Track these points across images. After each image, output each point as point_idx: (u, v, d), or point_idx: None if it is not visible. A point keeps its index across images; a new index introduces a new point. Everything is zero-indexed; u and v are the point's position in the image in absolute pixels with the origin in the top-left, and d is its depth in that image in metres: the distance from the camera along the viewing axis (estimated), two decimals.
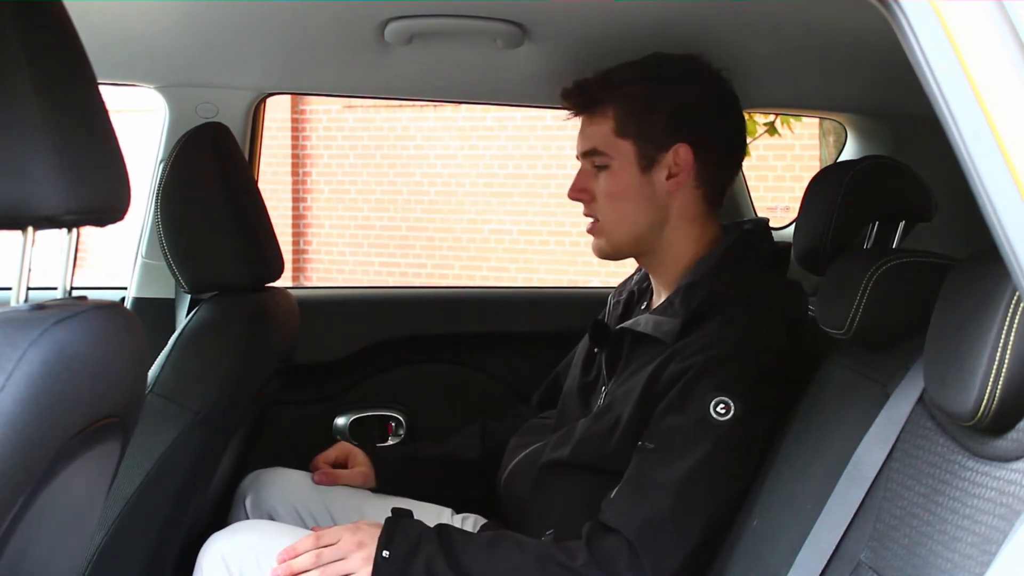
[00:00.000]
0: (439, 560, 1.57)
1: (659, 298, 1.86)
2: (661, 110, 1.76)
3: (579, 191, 1.82)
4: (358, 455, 2.04)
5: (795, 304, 1.81)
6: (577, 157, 1.85)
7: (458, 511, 2.01)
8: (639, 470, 1.64)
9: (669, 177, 1.77)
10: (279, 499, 1.95)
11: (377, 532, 1.62)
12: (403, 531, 1.61)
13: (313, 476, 1.99)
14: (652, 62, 1.78)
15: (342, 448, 2.06)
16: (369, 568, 1.58)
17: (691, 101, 1.78)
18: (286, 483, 1.98)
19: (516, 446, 1.94)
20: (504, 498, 1.90)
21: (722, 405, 1.61)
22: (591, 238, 1.84)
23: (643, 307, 1.91)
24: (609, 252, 1.83)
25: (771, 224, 1.96)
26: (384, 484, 2.02)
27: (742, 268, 1.78)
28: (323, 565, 1.60)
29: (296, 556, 1.61)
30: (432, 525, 1.65)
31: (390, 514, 1.69)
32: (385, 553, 1.58)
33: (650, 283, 1.93)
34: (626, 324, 1.82)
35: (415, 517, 1.69)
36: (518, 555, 1.60)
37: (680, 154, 1.77)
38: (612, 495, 1.65)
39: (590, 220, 1.83)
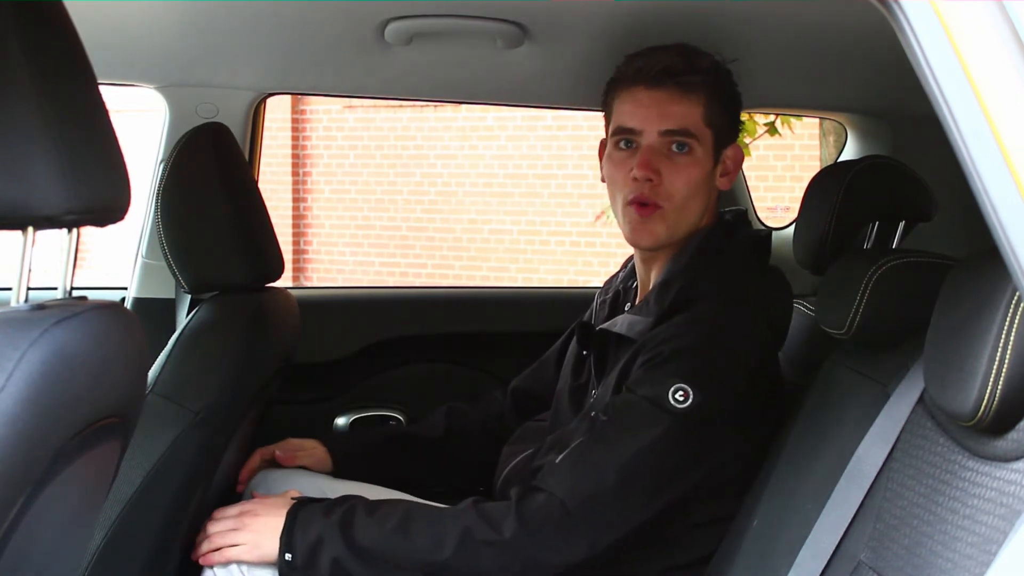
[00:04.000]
0: (346, 557, 1.55)
1: (642, 295, 1.85)
2: (734, 106, 1.79)
3: (653, 171, 1.70)
4: (308, 441, 2.02)
5: (775, 293, 1.80)
6: (628, 131, 1.74)
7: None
8: (588, 443, 1.63)
9: (722, 175, 1.79)
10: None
11: (278, 522, 1.59)
12: (302, 529, 1.58)
13: (276, 453, 1.96)
14: (704, 52, 1.75)
15: (290, 442, 2.02)
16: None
17: (740, 102, 1.81)
18: (294, 483, 1.97)
19: (510, 452, 1.93)
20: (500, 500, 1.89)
21: (681, 392, 1.59)
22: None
23: (627, 307, 1.89)
24: (665, 240, 1.74)
25: (772, 225, 1.97)
26: (339, 463, 1.99)
27: (717, 262, 1.75)
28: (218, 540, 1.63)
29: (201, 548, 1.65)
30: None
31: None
32: (288, 556, 1.56)
33: (634, 281, 1.91)
34: (605, 325, 1.81)
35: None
36: (435, 534, 1.57)
37: (730, 154, 1.79)
38: (557, 460, 1.62)
39: (643, 204, 1.71)
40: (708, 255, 1.75)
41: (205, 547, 1.65)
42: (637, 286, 1.88)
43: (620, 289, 1.95)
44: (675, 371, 1.60)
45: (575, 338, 1.95)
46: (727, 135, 1.78)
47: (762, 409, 1.70)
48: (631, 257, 1.95)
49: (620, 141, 1.76)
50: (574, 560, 1.56)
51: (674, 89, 1.71)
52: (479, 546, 1.56)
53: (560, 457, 1.63)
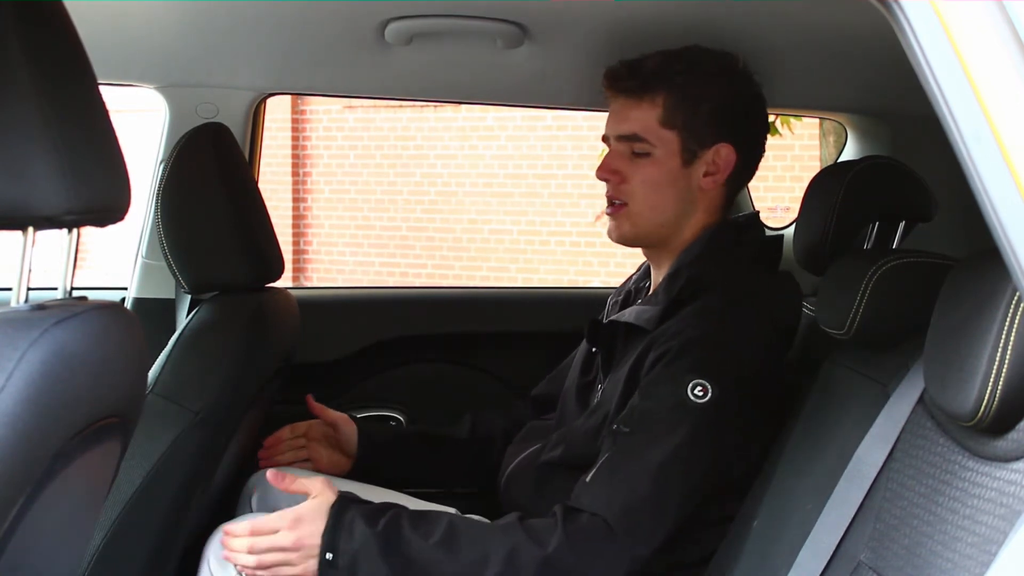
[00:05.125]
0: (388, 572, 1.53)
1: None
2: (710, 106, 1.76)
3: (611, 172, 1.78)
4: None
5: (783, 295, 1.81)
6: (606, 138, 1.82)
7: (464, 512, 2.01)
8: (616, 455, 1.62)
9: (707, 174, 1.78)
10: (285, 497, 1.94)
11: (318, 529, 1.56)
12: (347, 534, 1.55)
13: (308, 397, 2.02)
14: (696, 55, 1.77)
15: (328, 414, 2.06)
16: (315, 561, 1.54)
17: (736, 101, 1.79)
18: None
19: (515, 450, 1.94)
20: (505, 501, 1.90)
21: (699, 387, 1.60)
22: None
23: (638, 303, 1.91)
24: (630, 238, 1.81)
25: (772, 225, 1.97)
26: (365, 447, 2.00)
27: (727, 258, 1.78)
28: (260, 553, 1.56)
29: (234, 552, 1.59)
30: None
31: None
32: (329, 556, 1.54)
33: (646, 281, 1.93)
34: (613, 317, 1.82)
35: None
36: (481, 551, 1.55)
37: (721, 153, 1.78)
38: (587, 479, 1.62)
39: (614, 203, 1.79)
40: (716, 252, 1.77)
41: (248, 562, 1.59)
42: (650, 286, 1.90)
43: (632, 289, 1.98)
44: (690, 366, 1.62)
45: (585, 336, 1.96)
46: (703, 135, 1.76)
47: (769, 411, 1.70)
48: (645, 262, 1.98)
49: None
50: (618, 575, 1.56)
51: (628, 96, 1.78)
52: (524, 564, 1.55)
53: (591, 475, 1.63)
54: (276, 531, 1.57)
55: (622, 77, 1.77)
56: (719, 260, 1.77)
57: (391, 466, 2.03)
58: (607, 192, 1.81)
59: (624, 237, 1.82)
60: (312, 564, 1.55)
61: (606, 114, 1.88)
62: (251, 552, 1.57)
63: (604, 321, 1.94)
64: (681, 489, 1.60)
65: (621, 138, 1.78)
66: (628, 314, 1.78)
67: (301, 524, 1.57)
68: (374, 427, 2.11)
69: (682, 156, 1.76)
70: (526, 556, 1.54)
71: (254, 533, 1.58)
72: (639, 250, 1.91)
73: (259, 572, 1.57)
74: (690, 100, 1.75)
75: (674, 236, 1.80)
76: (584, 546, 1.56)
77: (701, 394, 1.60)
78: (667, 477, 1.58)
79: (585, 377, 1.92)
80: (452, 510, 1.96)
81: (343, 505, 1.58)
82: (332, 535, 1.54)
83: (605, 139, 1.83)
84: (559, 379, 2.09)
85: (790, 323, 1.80)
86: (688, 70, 1.75)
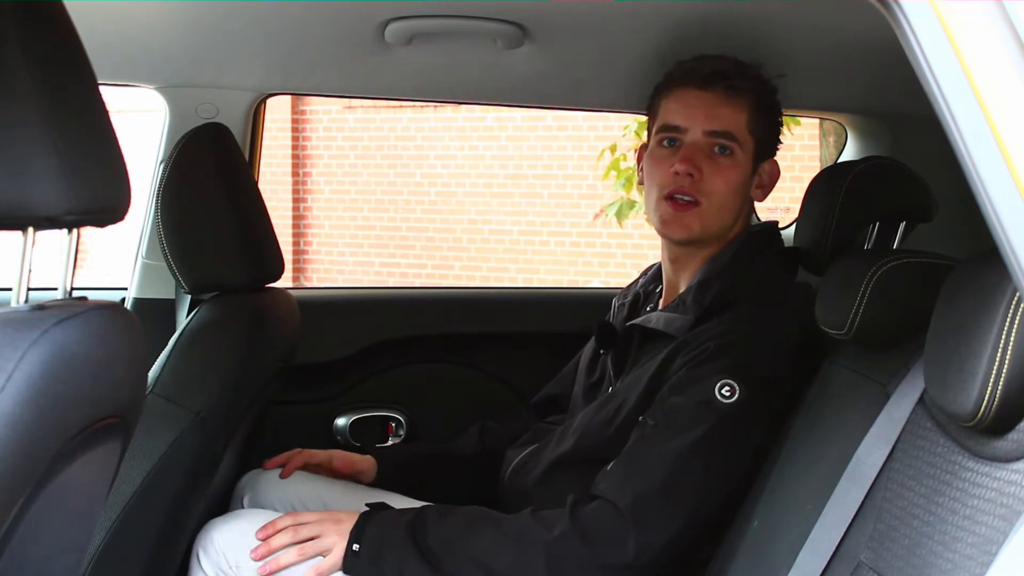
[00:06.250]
0: (411, 559, 1.58)
1: (670, 296, 1.86)
2: (777, 121, 1.83)
3: (695, 167, 1.74)
4: (358, 456, 2.04)
5: (807, 304, 1.82)
6: (673, 129, 1.77)
7: None
8: (636, 445, 1.65)
9: (757, 187, 1.82)
10: (277, 497, 1.95)
11: (355, 517, 1.63)
12: (375, 526, 1.62)
13: (334, 461, 2.00)
14: (752, 64, 1.79)
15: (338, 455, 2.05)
16: (344, 541, 1.60)
17: (781, 119, 1.85)
18: (283, 481, 1.98)
19: (519, 446, 1.94)
20: (507, 496, 1.90)
21: (727, 388, 1.61)
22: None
23: (649, 308, 1.91)
24: (697, 236, 1.78)
25: None
26: (386, 476, 2.02)
27: (753, 267, 1.80)
28: (301, 542, 1.62)
29: (276, 532, 1.64)
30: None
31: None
32: (355, 547, 1.59)
33: (657, 285, 1.93)
34: (636, 321, 1.82)
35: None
36: (497, 536, 1.60)
37: (767, 168, 1.83)
38: (608, 468, 1.65)
39: (682, 199, 1.75)
40: (744, 262, 1.79)
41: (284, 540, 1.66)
42: (662, 290, 1.90)
43: (641, 292, 1.97)
44: (721, 367, 1.63)
45: (592, 338, 1.95)
46: (767, 148, 1.82)
47: (781, 412, 1.71)
48: (651, 266, 1.98)
49: (664, 139, 1.80)
50: (623, 562, 1.57)
51: (723, 92, 1.75)
52: (530, 548, 1.58)
53: (611, 464, 1.65)
54: (318, 518, 1.66)
55: (730, 74, 1.75)
56: (748, 270, 1.78)
57: (409, 488, 2.03)
58: (676, 187, 1.75)
59: (692, 237, 1.78)
60: (342, 545, 1.61)
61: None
62: (295, 534, 1.64)
63: (613, 323, 1.94)
64: (697, 484, 1.61)
65: (710, 133, 1.76)
66: (655, 320, 1.78)
67: (339, 512, 1.67)
68: (388, 456, 2.09)
69: (752, 164, 1.79)
70: (533, 539, 1.58)
71: (296, 520, 1.66)
72: (639, 251, 1.91)
73: (286, 552, 1.63)
74: (767, 111, 1.79)
75: (716, 242, 1.81)
76: (590, 530, 1.57)
77: (728, 394, 1.61)
78: (684, 469, 1.59)
79: (590, 378, 1.92)
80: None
81: (373, 508, 1.68)
82: (360, 529, 1.62)
83: (672, 129, 1.78)
84: (565, 382, 2.09)
85: (810, 329, 1.81)
86: (764, 80, 1.79)
